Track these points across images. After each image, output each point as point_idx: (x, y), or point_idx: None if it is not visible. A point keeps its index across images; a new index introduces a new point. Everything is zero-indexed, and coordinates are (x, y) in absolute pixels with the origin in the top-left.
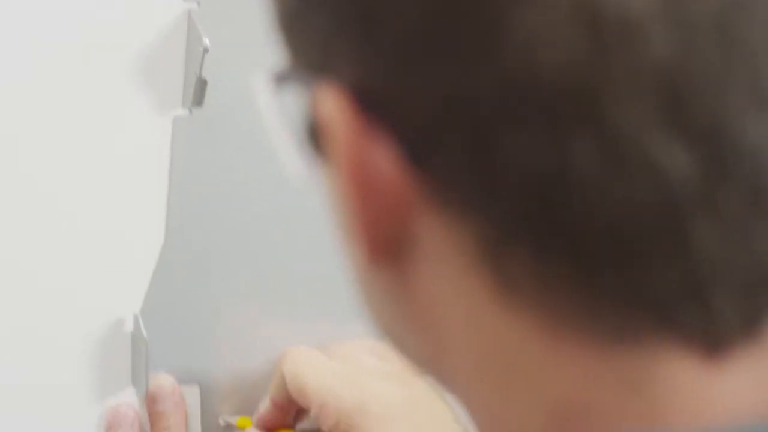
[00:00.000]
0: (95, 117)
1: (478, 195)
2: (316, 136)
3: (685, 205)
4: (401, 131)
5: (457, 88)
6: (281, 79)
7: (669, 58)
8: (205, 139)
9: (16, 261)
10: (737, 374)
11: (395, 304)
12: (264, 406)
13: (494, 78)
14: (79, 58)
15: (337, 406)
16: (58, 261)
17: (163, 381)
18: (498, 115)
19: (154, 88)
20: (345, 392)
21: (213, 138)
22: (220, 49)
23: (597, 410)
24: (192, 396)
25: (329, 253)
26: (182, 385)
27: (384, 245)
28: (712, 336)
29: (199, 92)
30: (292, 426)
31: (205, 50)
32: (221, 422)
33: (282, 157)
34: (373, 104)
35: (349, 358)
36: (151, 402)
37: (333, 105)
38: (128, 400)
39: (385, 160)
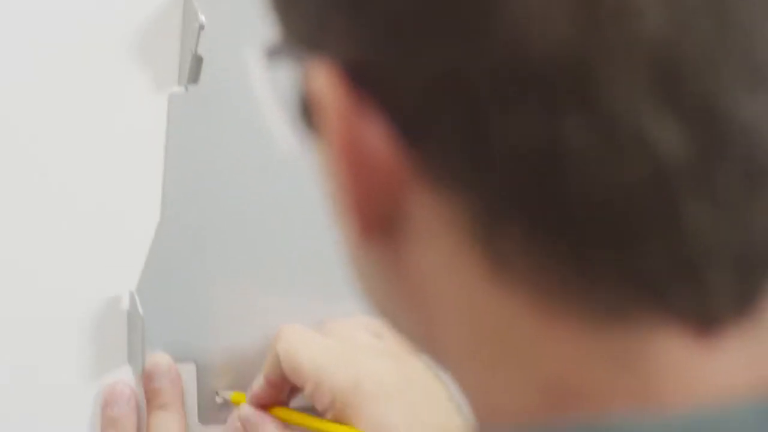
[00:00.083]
0: (91, 94)
1: (470, 172)
2: (308, 112)
3: (677, 183)
4: (393, 108)
5: (449, 65)
6: (274, 54)
7: (663, 35)
8: (201, 117)
9: (12, 239)
10: (730, 352)
11: (388, 281)
12: (257, 383)
13: (487, 54)
14: (75, 36)
15: (332, 384)
16: (54, 239)
17: (160, 359)
18: (491, 91)
19: (150, 65)
20: (339, 371)
21: (209, 115)
22: (216, 26)
23: (589, 388)
24: (188, 373)
25: (325, 231)
26: (178, 363)
27: (376, 222)
28: (705, 314)
29: (194, 69)
30: (285, 403)
31: (201, 27)
32: (218, 399)
33: (276, 133)
34: (365, 81)
35: (344, 336)
36: (147, 380)
37: (325, 81)
38: (125, 378)
39: (376, 137)
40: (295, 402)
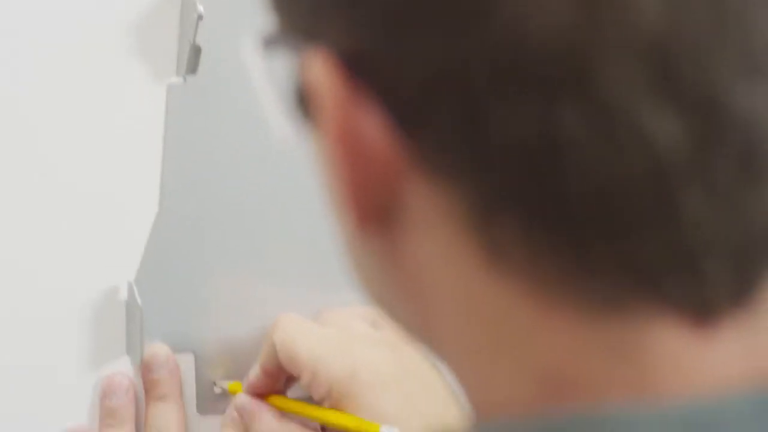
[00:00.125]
0: (90, 85)
1: (467, 162)
2: (305, 102)
3: (675, 174)
4: (390, 98)
5: (446, 55)
6: (271, 44)
7: (660, 26)
8: (199, 107)
9: (11, 231)
10: (727, 342)
11: (385, 271)
12: (254, 372)
13: (484, 45)
14: (74, 27)
15: (328, 374)
16: (53, 230)
17: (158, 349)
18: (487, 82)
19: (149, 56)
20: (336, 361)
21: (207, 106)
22: (215, 16)
23: (586, 378)
24: (186, 364)
25: (323, 222)
26: (177, 354)
27: (372, 212)
28: (702, 304)
29: (193, 60)
30: (282, 392)
31: (200, 17)
32: (216, 390)
33: (274, 123)
34: (362, 71)
35: (341, 326)
36: (145, 370)
37: (322, 71)
38: (123, 368)
39: (373, 127)
40: (293, 392)
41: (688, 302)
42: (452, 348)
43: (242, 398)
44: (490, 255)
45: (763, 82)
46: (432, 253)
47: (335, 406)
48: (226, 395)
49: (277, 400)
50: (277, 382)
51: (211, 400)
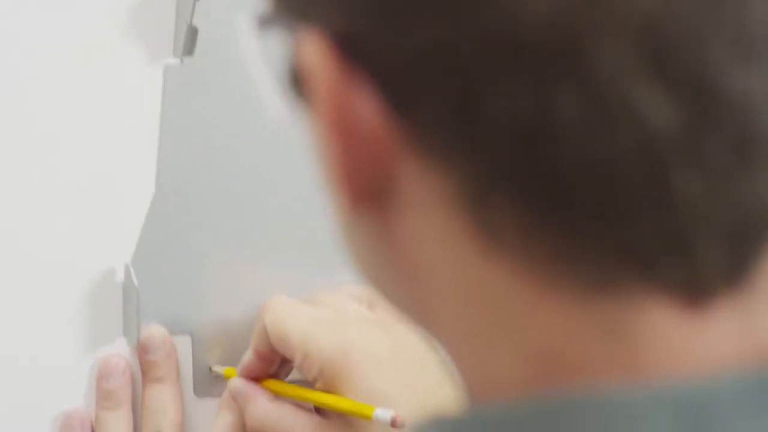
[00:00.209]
0: (86, 67)
1: (460, 143)
2: (299, 83)
3: (668, 155)
4: (383, 79)
5: (438, 36)
6: (266, 24)
7: (655, 7)
8: (196, 89)
9: (7, 213)
10: (721, 323)
11: (379, 252)
12: (247, 356)
13: (477, 25)
14: (70, 9)
15: (320, 354)
16: (50, 212)
17: (155, 331)
18: (481, 63)
19: (145, 37)
20: (327, 340)
21: (204, 87)
22: None
23: (581, 359)
24: (183, 346)
25: (319, 203)
26: (174, 336)
27: (366, 192)
28: (695, 285)
29: (190, 41)
30: (276, 376)
31: None
32: (212, 372)
33: (270, 105)
34: (355, 51)
35: (334, 306)
36: (142, 352)
37: (315, 52)
38: (120, 350)
39: (366, 108)
40: (291, 377)
41: (681, 283)
42: (447, 329)
43: (236, 382)
44: (484, 236)
45: (758, 65)
46: (426, 235)
47: (328, 386)
48: (222, 378)
49: (271, 383)
50: (271, 365)
51: (208, 383)
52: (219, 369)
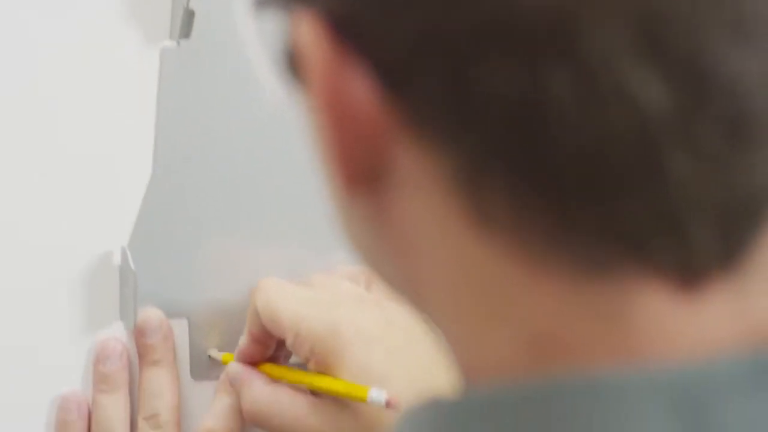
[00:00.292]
0: (82, 49)
1: (454, 124)
2: (295, 64)
3: (660, 137)
4: (377, 61)
5: (433, 17)
6: (262, 6)
7: None
8: (193, 71)
9: (4, 195)
10: (716, 305)
11: (374, 233)
12: (242, 340)
13: (472, 8)
14: None
15: (310, 332)
16: (46, 195)
17: (152, 314)
18: (475, 45)
19: (142, 20)
20: (318, 319)
21: (201, 70)
22: None
23: (574, 341)
24: (180, 329)
25: (316, 185)
26: (170, 319)
27: (361, 174)
28: (689, 268)
29: (186, 24)
30: (276, 359)
31: None
32: (211, 353)
33: (265, 86)
34: (350, 33)
35: (328, 287)
36: (139, 335)
37: (310, 33)
38: (117, 333)
39: (360, 88)
40: (293, 361)
41: (674, 266)
42: (441, 310)
43: (233, 366)
44: (477, 217)
45: (753, 47)
46: (420, 216)
47: (319, 365)
48: (219, 361)
49: (268, 367)
50: (267, 348)
51: (205, 366)
52: (217, 355)
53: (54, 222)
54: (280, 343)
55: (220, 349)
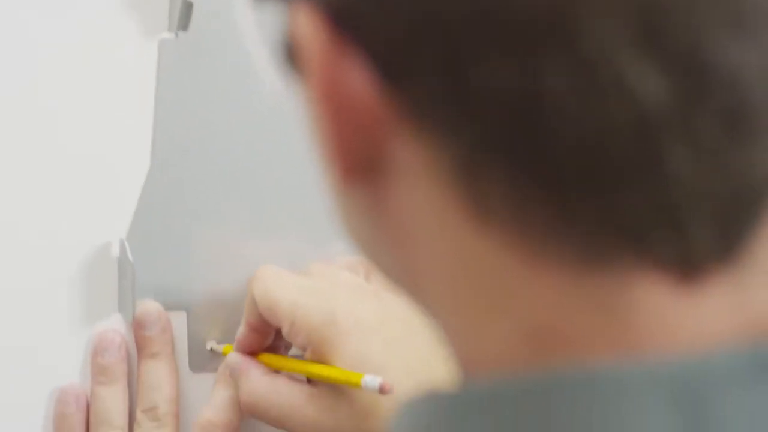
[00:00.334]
0: (80, 41)
1: (452, 116)
2: (292, 56)
3: (659, 129)
4: (375, 52)
5: (431, 9)
6: None
7: None
8: (191, 63)
9: (2, 188)
10: (715, 298)
11: (372, 224)
12: (240, 329)
13: None
14: None
15: (306, 322)
16: (44, 187)
17: (150, 306)
18: (472, 36)
19: (140, 12)
20: (314, 308)
21: (199, 62)
22: None
23: (573, 334)
24: (179, 321)
25: (314, 175)
26: (169, 311)
27: (358, 165)
28: (687, 261)
29: (185, 16)
30: (276, 348)
31: None
32: (208, 348)
33: (263, 77)
34: (347, 24)
35: (326, 276)
36: (137, 327)
37: (307, 23)
38: (115, 326)
39: (358, 80)
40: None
41: (672, 259)
42: (439, 301)
43: (233, 356)
44: (476, 209)
45: (751, 39)
46: (418, 207)
47: (316, 354)
48: (217, 353)
49: (266, 357)
50: (265, 337)
51: (204, 358)
52: (217, 347)
53: (52, 214)
54: (279, 333)
55: (219, 342)
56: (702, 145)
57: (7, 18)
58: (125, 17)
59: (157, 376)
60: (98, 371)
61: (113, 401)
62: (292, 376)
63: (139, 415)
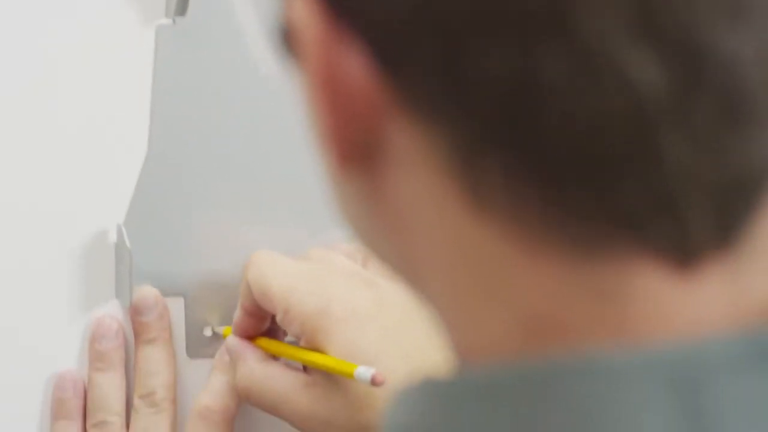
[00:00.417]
0: (77, 28)
1: (448, 103)
2: (289, 40)
3: (655, 117)
4: (372, 37)
5: None
6: None
7: None
8: (188, 49)
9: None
10: (712, 285)
11: (368, 210)
12: (236, 313)
13: None
14: None
15: (300, 310)
16: (42, 173)
17: (147, 293)
18: (469, 22)
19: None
20: (308, 296)
21: (196, 47)
22: None
23: (571, 321)
24: (176, 307)
25: (311, 162)
26: (166, 297)
27: (355, 151)
28: (684, 248)
29: (182, 1)
30: (274, 332)
31: None
32: (206, 333)
33: (260, 63)
34: (344, 9)
35: (322, 261)
36: (135, 313)
37: (304, 8)
38: (113, 311)
39: (354, 66)
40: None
41: (669, 246)
42: (436, 289)
43: (231, 340)
44: (473, 197)
45: (748, 28)
46: (415, 195)
47: (310, 342)
48: (215, 339)
49: (264, 341)
50: (261, 321)
51: (201, 344)
52: (218, 329)
53: (50, 200)
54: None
55: (217, 327)
56: (698, 132)
57: (8, 7)
58: (122, 3)
59: (155, 362)
60: (96, 357)
61: (110, 387)
62: (288, 364)
63: (137, 400)
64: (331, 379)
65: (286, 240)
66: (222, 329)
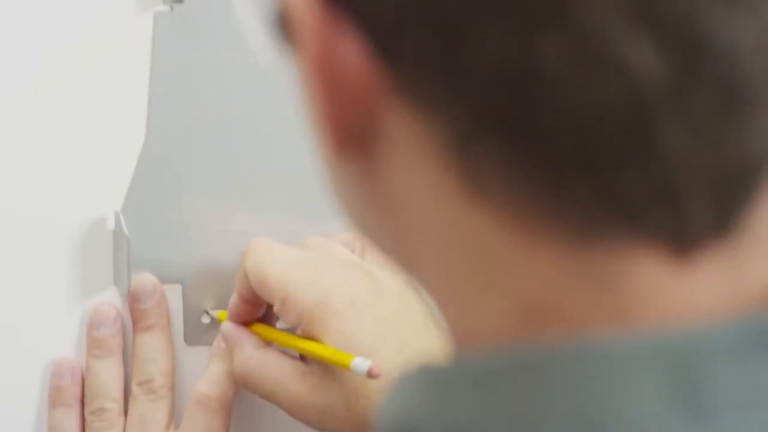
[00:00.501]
0: (75, 14)
1: (445, 90)
2: (286, 27)
3: (654, 105)
4: (369, 24)
5: None
6: None
7: None
8: (186, 36)
9: None
10: (709, 273)
11: (365, 197)
12: (233, 299)
13: None
14: None
15: (298, 300)
16: (40, 161)
17: (145, 280)
18: (466, 9)
19: None
20: (305, 286)
21: (194, 34)
22: None
23: (568, 309)
24: (174, 294)
25: (309, 150)
26: (164, 284)
27: (351, 138)
28: (682, 236)
29: None
30: (269, 319)
31: None
32: (204, 319)
33: (257, 50)
34: None
35: (320, 249)
36: (133, 300)
37: None
38: (111, 299)
39: (351, 53)
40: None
41: (667, 234)
42: (433, 276)
43: (226, 325)
44: (470, 184)
45: (746, 15)
46: (412, 182)
47: (306, 332)
48: (214, 326)
49: (259, 328)
50: (257, 309)
51: (199, 331)
52: (213, 313)
53: (48, 187)
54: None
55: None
56: (697, 120)
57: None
58: None
59: (153, 349)
60: (93, 344)
61: (108, 374)
62: (285, 352)
63: (135, 388)
64: (327, 370)
65: (284, 228)
66: (217, 313)
